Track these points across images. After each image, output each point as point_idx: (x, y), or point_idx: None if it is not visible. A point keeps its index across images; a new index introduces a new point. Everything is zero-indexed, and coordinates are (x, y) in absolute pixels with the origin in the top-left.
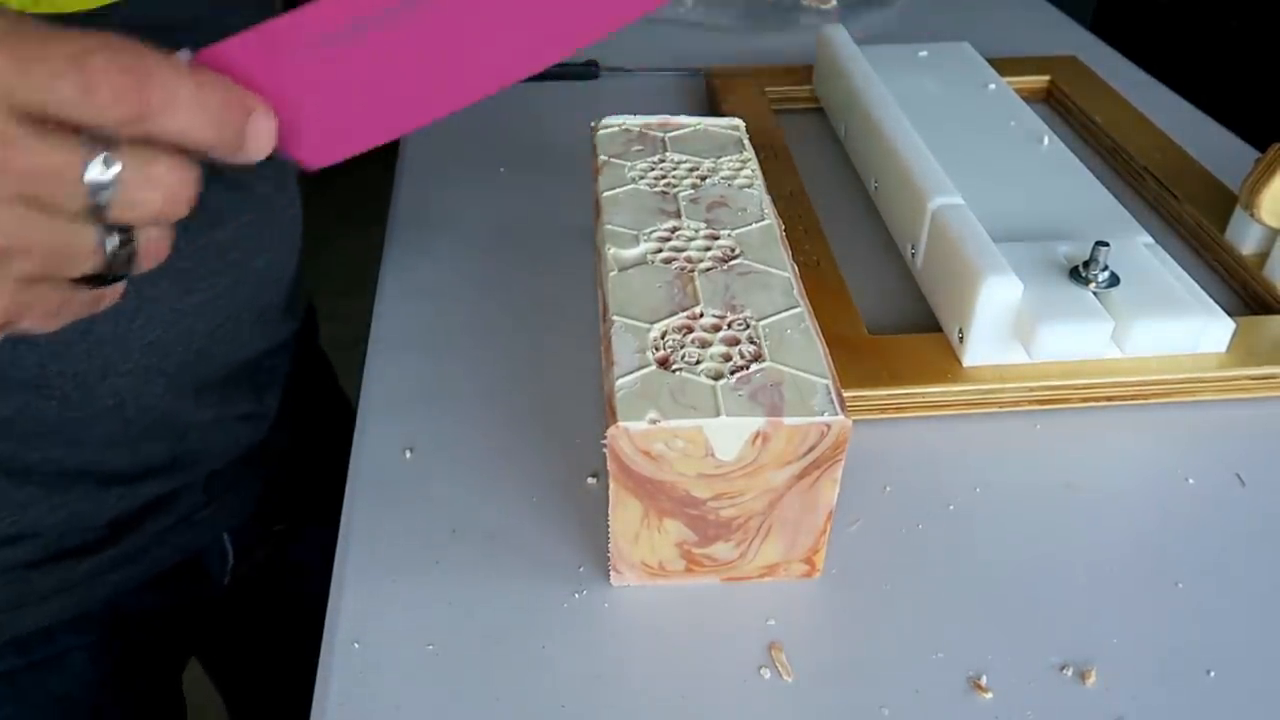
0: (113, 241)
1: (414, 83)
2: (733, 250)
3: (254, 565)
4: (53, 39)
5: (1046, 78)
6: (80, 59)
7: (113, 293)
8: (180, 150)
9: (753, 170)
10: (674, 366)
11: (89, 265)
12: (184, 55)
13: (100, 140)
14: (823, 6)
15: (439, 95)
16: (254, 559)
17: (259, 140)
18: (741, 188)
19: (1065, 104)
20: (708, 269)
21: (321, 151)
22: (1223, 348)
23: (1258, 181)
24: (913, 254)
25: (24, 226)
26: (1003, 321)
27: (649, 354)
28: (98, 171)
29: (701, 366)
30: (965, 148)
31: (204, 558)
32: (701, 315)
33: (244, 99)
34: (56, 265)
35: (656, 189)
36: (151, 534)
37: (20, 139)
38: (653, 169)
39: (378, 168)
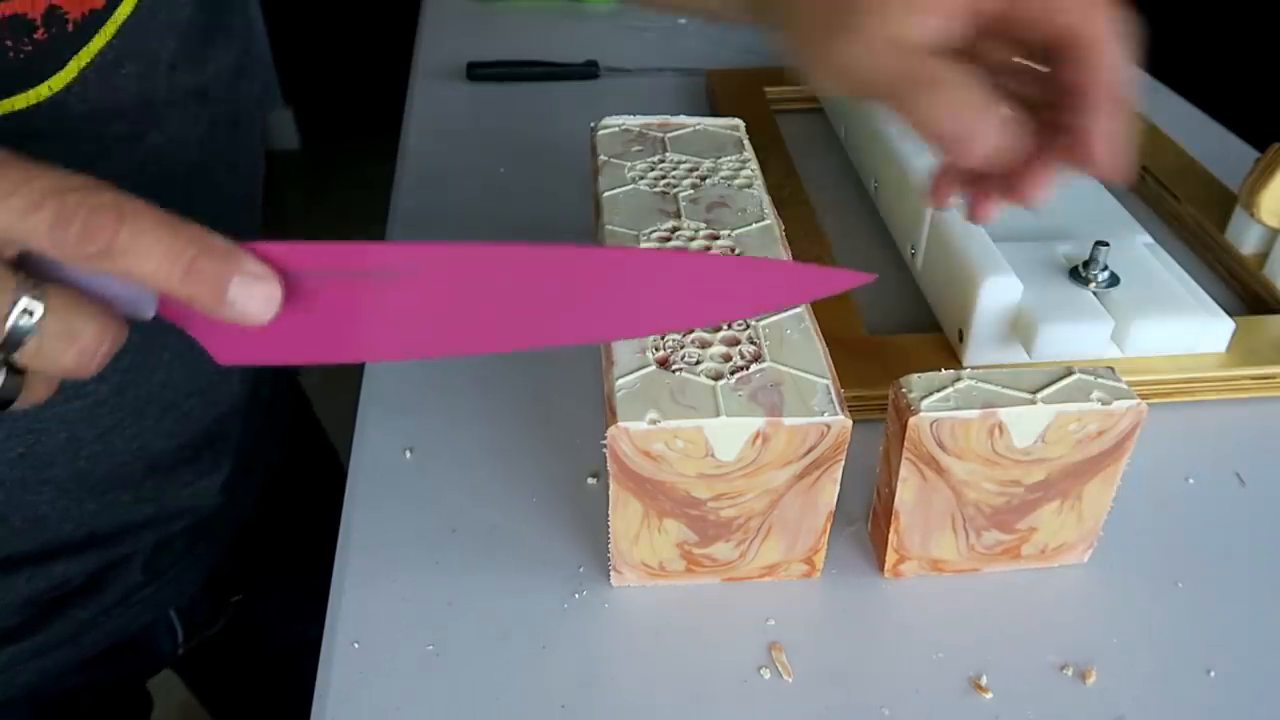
0: (2, 376)
1: (375, 329)
2: (733, 250)
3: (208, 637)
4: (34, 174)
5: None
6: (58, 194)
7: None
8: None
9: (753, 170)
10: (674, 366)
11: None
12: None
13: (37, 286)
14: None
15: (390, 343)
16: (207, 632)
17: (247, 303)
18: (741, 188)
19: None
20: None
21: (234, 353)
22: (1222, 347)
23: (1257, 181)
24: (913, 254)
25: None
26: (1003, 321)
27: (649, 354)
28: (24, 316)
29: (701, 367)
30: None
31: (148, 634)
32: None
33: (230, 258)
34: None
35: (656, 189)
36: (80, 620)
37: None
38: (652, 169)
39: (378, 168)
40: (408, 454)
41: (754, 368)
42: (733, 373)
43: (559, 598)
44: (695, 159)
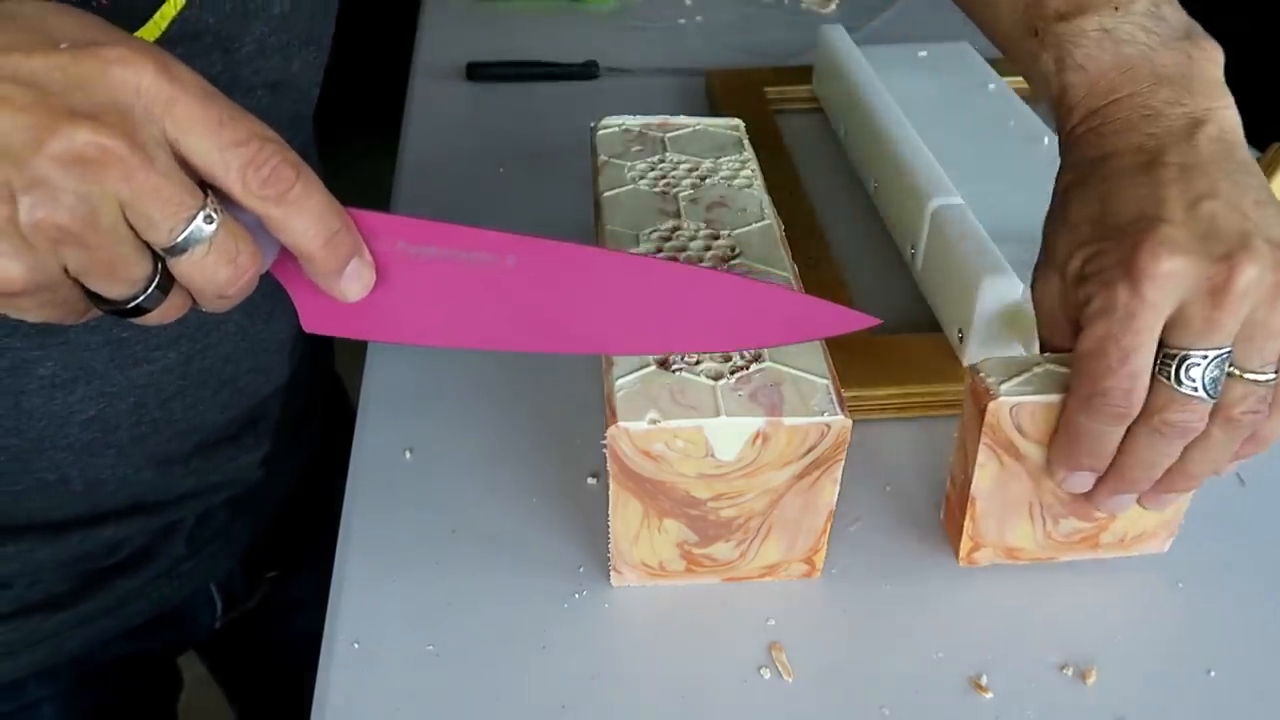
0: (152, 285)
1: (454, 313)
2: (733, 250)
3: (245, 611)
4: (246, 115)
5: None
6: (260, 138)
7: (92, 315)
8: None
9: (752, 170)
10: (674, 366)
11: (117, 290)
12: None
13: (216, 202)
14: (823, 10)
15: (463, 331)
16: (244, 606)
17: (353, 281)
18: (741, 188)
19: None
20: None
21: (321, 322)
22: None
23: None
24: (913, 254)
25: (107, 228)
26: (1003, 321)
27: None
28: (202, 223)
29: (701, 366)
30: (965, 148)
31: (188, 607)
32: None
33: (358, 241)
34: (96, 272)
35: (656, 189)
36: (126, 590)
37: (161, 160)
38: (652, 169)
39: (378, 167)
40: (408, 454)
41: (754, 367)
42: (732, 372)
43: (559, 598)
44: (695, 159)
